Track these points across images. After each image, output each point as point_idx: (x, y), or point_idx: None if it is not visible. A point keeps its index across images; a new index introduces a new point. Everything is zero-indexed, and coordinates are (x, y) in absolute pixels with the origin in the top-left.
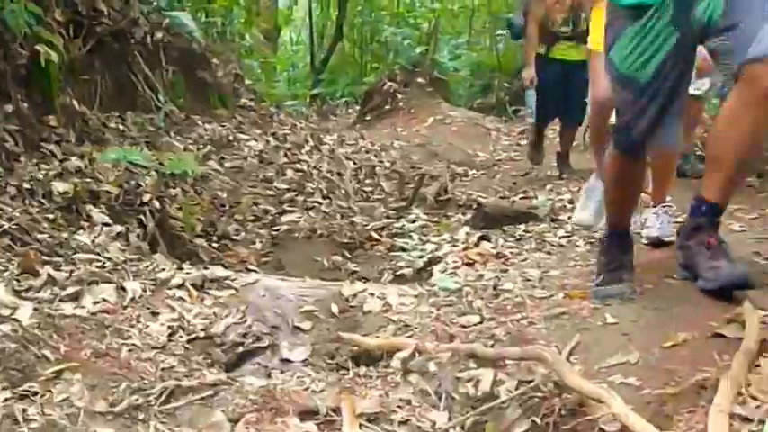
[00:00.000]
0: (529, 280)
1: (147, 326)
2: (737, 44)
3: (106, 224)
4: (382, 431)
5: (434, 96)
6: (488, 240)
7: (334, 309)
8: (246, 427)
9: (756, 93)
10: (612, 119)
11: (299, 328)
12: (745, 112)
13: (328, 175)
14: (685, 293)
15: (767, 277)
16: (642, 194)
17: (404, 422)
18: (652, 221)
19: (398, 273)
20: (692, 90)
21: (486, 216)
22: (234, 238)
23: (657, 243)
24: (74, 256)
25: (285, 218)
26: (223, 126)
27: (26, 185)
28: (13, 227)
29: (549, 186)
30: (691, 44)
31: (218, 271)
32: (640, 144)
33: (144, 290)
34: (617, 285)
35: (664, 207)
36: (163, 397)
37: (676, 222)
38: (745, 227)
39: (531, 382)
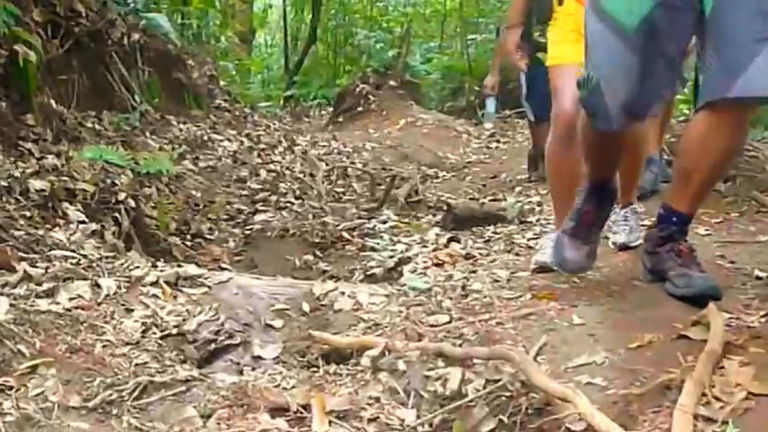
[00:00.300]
0: (497, 281)
1: (121, 322)
2: (712, 76)
3: (82, 222)
4: (351, 428)
5: (406, 99)
6: (458, 241)
7: (306, 307)
8: (218, 423)
9: (725, 120)
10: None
11: (270, 326)
12: (716, 133)
13: (301, 175)
14: (651, 296)
15: (731, 280)
16: None
17: (373, 419)
18: (619, 226)
19: (369, 272)
20: None
21: (455, 217)
22: (207, 236)
23: (624, 248)
24: (50, 253)
25: (258, 217)
26: (198, 126)
27: (3, 183)
28: None
29: (517, 189)
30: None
31: (192, 269)
32: (621, 118)
33: (118, 287)
34: (577, 252)
35: (633, 208)
36: (136, 392)
37: (643, 225)
38: (711, 230)
39: (498, 381)
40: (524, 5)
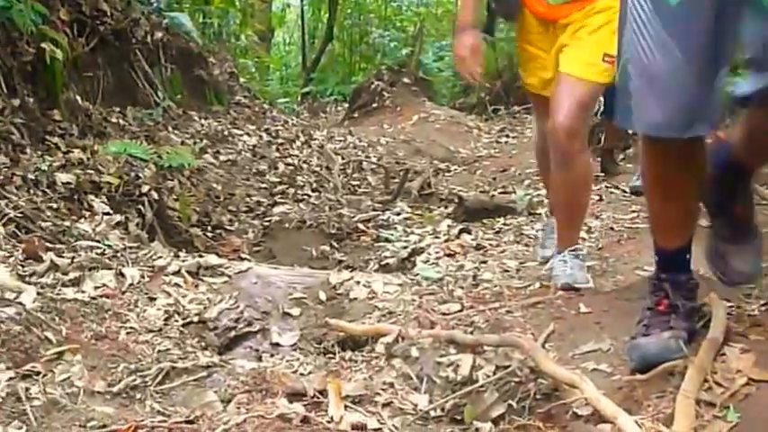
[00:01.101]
0: (507, 271)
1: (145, 310)
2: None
3: (107, 213)
4: (366, 413)
5: (419, 96)
6: (469, 233)
7: (322, 296)
8: (238, 407)
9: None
10: None
11: (288, 314)
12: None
13: (318, 169)
14: None
15: None
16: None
17: (387, 404)
18: (558, 269)
19: (383, 262)
20: None
21: (467, 209)
22: (227, 227)
23: (568, 288)
24: (76, 244)
25: (276, 209)
26: (218, 121)
27: (31, 176)
28: (19, 215)
29: (527, 182)
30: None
31: (213, 259)
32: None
33: (142, 276)
34: (656, 338)
35: (573, 251)
36: (159, 378)
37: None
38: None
39: (508, 367)
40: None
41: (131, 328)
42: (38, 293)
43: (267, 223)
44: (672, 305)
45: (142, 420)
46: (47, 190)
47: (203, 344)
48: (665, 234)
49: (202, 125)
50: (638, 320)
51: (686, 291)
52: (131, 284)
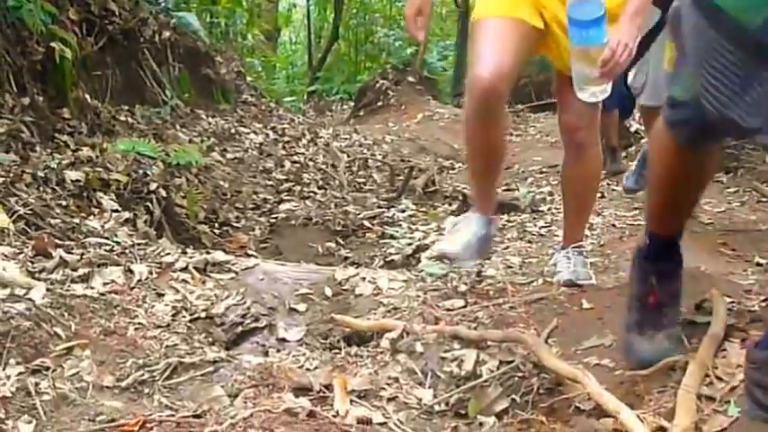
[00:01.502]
0: (510, 267)
1: (153, 306)
2: None
3: (115, 210)
4: (372, 407)
5: (424, 94)
6: None
7: (328, 292)
8: (244, 402)
9: None
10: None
11: (294, 309)
12: None
13: (323, 166)
14: None
15: (732, 266)
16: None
17: (392, 399)
18: (562, 264)
19: (388, 259)
20: (586, 97)
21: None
22: (234, 224)
23: (571, 285)
24: (85, 240)
25: (283, 206)
26: (226, 120)
27: (40, 173)
28: (28, 212)
29: (529, 180)
30: None
31: (220, 255)
32: (715, 132)
33: (150, 272)
34: (651, 339)
35: (577, 248)
36: (167, 373)
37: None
38: (713, 219)
39: (511, 362)
40: None
41: (139, 323)
42: (47, 289)
43: (274, 220)
44: (660, 302)
45: (150, 415)
46: (56, 187)
47: (210, 339)
48: (664, 222)
49: (210, 123)
50: (628, 307)
51: (673, 279)
52: (139, 281)
